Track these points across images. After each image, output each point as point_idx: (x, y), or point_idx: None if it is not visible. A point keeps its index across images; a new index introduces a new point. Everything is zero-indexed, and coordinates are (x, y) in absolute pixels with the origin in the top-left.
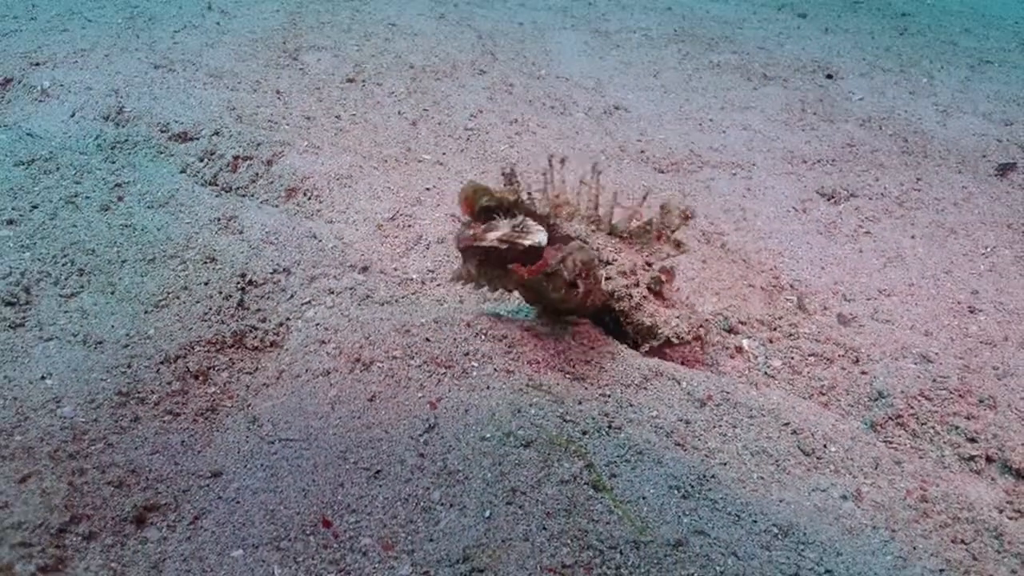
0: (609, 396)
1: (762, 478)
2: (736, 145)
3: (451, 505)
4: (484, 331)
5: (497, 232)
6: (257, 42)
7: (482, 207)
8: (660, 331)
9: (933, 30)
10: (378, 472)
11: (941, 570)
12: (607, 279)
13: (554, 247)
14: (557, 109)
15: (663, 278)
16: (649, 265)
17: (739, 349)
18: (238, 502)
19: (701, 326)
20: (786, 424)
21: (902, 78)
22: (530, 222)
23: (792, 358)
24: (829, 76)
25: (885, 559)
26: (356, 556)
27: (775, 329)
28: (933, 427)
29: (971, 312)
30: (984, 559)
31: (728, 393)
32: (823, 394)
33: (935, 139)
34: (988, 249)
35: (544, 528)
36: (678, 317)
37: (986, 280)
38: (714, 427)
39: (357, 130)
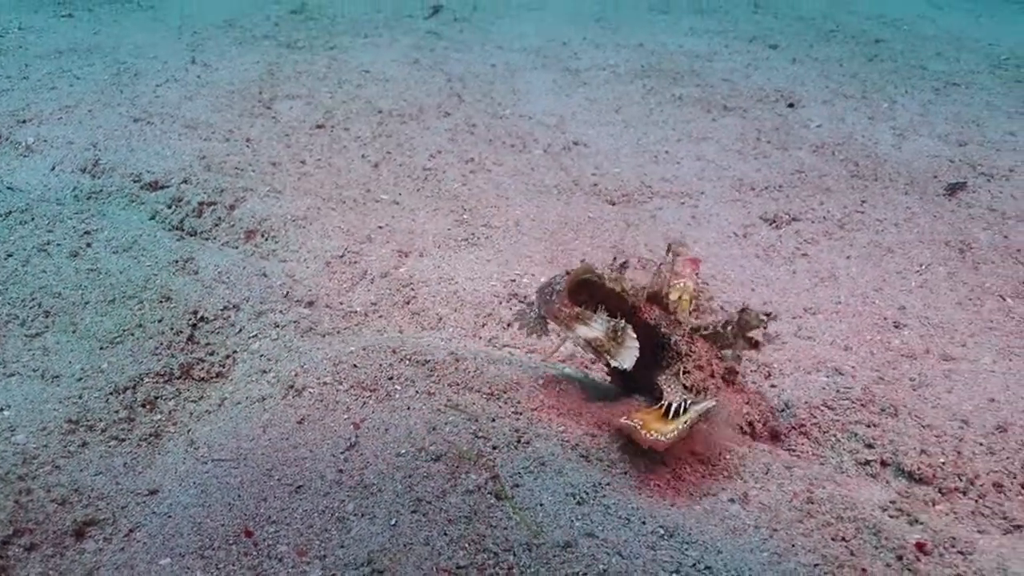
0: (521, 414)
1: (658, 485)
2: (687, 175)
3: (363, 515)
4: (408, 356)
5: (588, 331)
6: (234, 93)
7: (582, 280)
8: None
9: (905, 55)
10: (300, 487)
11: (816, 564)
12: (685, 373)
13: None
14: (516, 147)
15: (736, 368)
16: (721, 358)
17: None
18: (170, 516)
19: (770, 410)
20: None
21: (863, 104)
22: (629, 333)
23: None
24: (791, 105)
25: (762, 555)
26: (272, 562)
27: None
28: (834, 435)
29: (895, 327)
30: (861, 554)
31: None
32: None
33: (888, 162)
34: (923, 267)
35: (445, 533)
36: (748, 404)
37: (915, 296)
38: (618, 439)
39: (320, 174)
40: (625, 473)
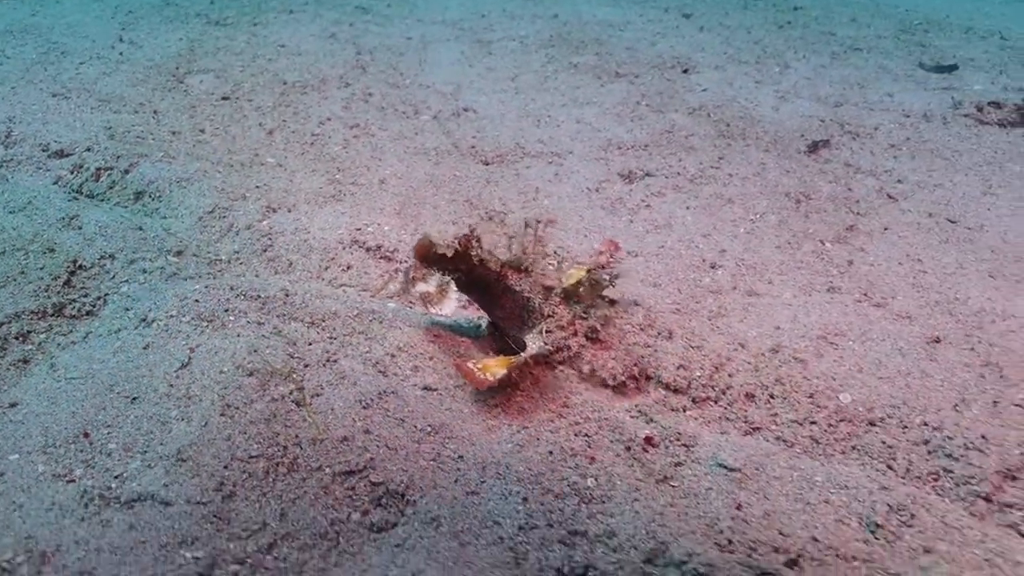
0: (335, 339)
1: (439, 394)
2: (562, 137)
3: (182, 419)
4: (244, 292)
5: (423, 287)
6: (152, 68)
7: (433, 256)
8: (598, 375)
9: (818, 22)
10: (135, 399)
11: (550, 451)
12: (548, 332)
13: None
14: (407, 114)
15: (598, 327)
16: (586, 314)
17: None
18: (22, 423)
19: (635, 363)
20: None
21: (755, 69)
22: (452, 288)
23: None
24: (685, 71)
25: (507, 447)
26: (103, 457)
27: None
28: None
29: (711, 268)
30: (596, 446)
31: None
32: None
33: (760, 123)
34: (758, 216)
35: (244, 432)
36: (614, 359)
37: (739, 241)
38: (413, 359)
39: (216, 141)
40: (425, 388)
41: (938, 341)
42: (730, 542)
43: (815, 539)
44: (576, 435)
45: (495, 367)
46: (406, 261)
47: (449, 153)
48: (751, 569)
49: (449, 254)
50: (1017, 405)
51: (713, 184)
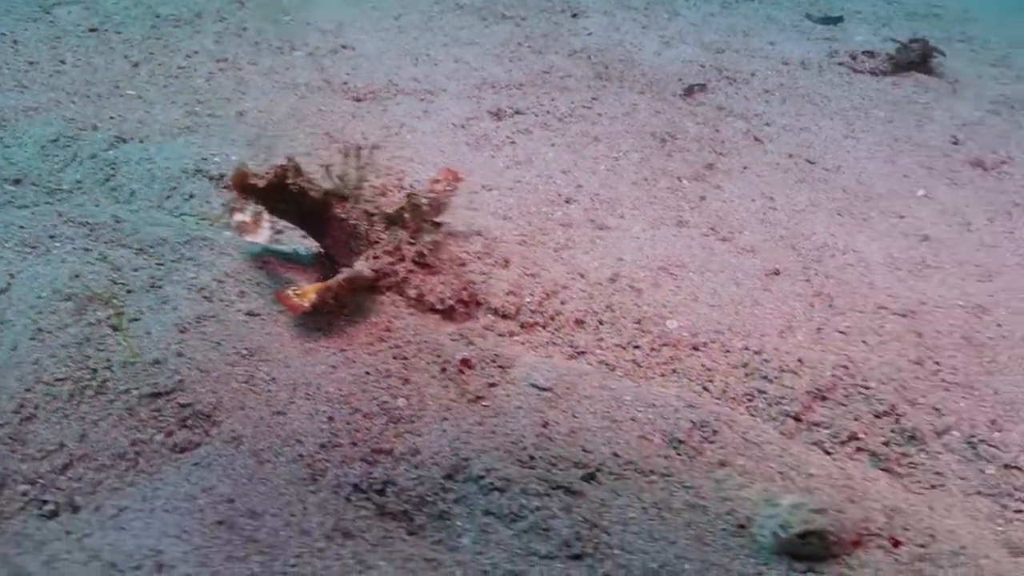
0: (163, 265)
1: (262, 319)
2: (438, 76)
3: None
4: (72, 219)
5: (240, 216)
6: None
7: (250, 186)
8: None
9: None
10: None
11: (367, 372)
12: (375, 258)
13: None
14: (282, 50)
15: (425, 251)
16: (414, 240)
17: None
18: None
19: (464, 288)
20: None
21: (643, 15)
22: (265, 217)
23: None
24: (574, 15)
25: (320, 368)
26: None
27: None
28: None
29: (566, 203)
30: (415, 368)
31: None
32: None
33: (639, 66)
34: (621, 154)
35: (54, 355)
36: (442, 283)
37: (598, 177)
38: (240, 285)
39: (76, 72)
40: (249, 314)
41: (777, 273)
42: (532, 458)
43: (616, 454)
44: (395, 358)
45: (311, 293)
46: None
47: (320, 89)
48: (547, 483)
49: (261, 184)
50: (840, 332)
51: (582, 123)
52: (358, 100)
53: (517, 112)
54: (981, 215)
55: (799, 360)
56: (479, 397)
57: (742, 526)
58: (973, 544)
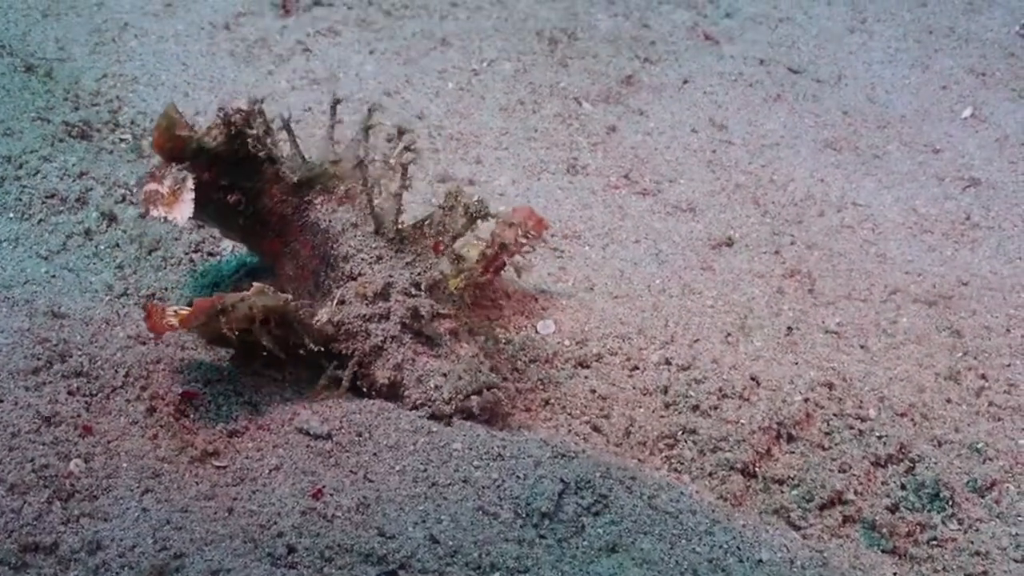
0: None
1: None
2: None
3: None
4: None
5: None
6: None
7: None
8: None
9: None
10: None
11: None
12: (340, 303)
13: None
14: None
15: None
16: (418, 286)
17: None
18: None
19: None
20: None
21: None
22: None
23: None
24: None
25: None
26: None
27: None
28: None
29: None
30: (102, 409)
31: None
32: None
33: None
34: (484, 64)
35: None
36: (444, 375)
37: (444, 101)
38: None
39: None
40: None
41: (728, 244)
42: (292, 551)
43: (434, 540)
44: (69, 394)
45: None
46: None
47: None
48: None
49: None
50: (826, 332)
51: (422, 18)
52: None
53: (317, 3)
54: None
55: (753, 379)
56: (210, 453)
57: None
58: None
